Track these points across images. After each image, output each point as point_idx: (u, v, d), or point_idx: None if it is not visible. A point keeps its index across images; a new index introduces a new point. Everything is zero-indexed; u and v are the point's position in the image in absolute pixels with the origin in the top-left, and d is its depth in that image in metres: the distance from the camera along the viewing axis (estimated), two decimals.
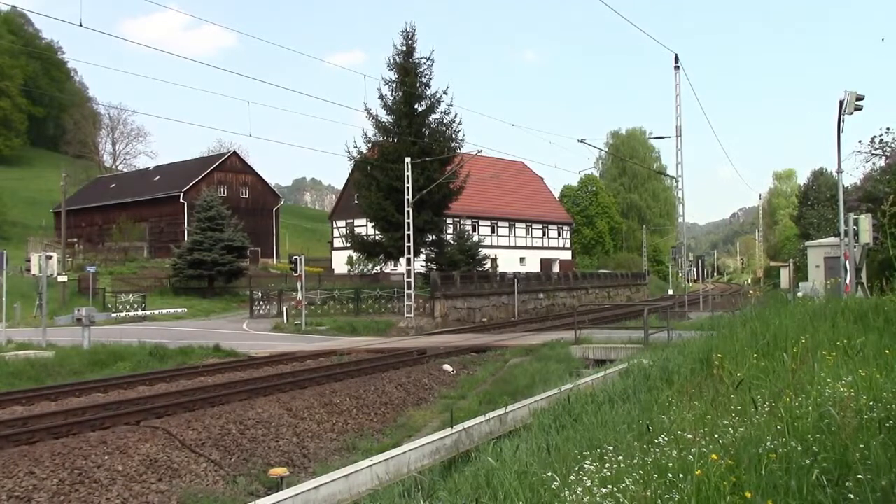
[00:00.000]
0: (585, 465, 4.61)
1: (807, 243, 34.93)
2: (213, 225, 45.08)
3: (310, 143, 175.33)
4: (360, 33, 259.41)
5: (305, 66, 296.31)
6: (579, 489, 4.09)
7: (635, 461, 4.45)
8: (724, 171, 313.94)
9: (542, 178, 72.70)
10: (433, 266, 40.82)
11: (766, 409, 5.18)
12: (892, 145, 29.80)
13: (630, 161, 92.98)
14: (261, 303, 39.36)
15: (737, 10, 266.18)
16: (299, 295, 32.37)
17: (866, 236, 20.91)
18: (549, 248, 67.51)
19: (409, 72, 38.83)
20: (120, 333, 24.87)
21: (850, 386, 5.40)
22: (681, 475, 3.93)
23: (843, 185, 24.13)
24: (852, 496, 3.47)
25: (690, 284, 52.59)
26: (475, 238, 48.96)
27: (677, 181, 36.86)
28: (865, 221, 20.97)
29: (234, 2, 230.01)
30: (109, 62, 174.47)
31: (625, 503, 3.81)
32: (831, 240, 28.31)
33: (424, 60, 39.34)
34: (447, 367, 19.00)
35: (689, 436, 4.69)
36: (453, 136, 39.54)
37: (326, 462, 11.74)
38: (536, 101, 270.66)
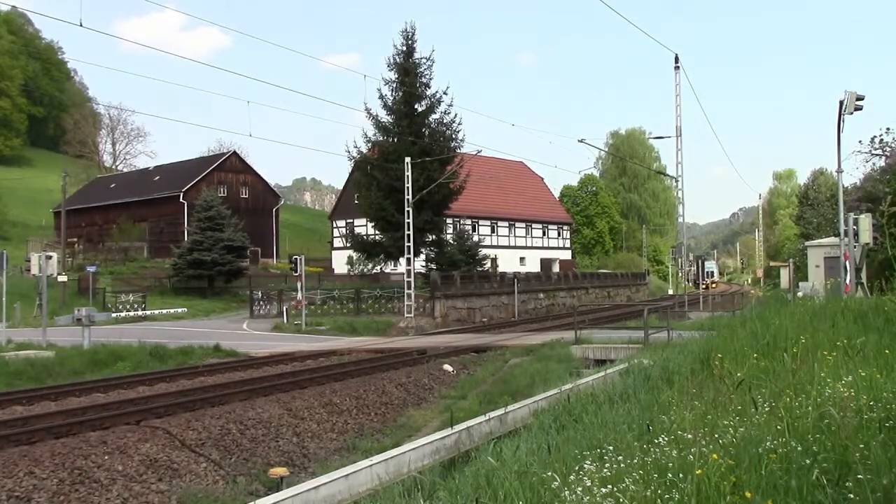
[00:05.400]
0: (585, 465, 4.60)
1: (807, 243, 34.93)
2: (213, 225, 45.08)
3: (310, 143, 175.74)
4: (357, 36, 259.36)
5: (304, 66, 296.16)
6: (579, 489, 4.09)
7: (635, 461, 4.44)
8: (723, 170, 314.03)
9: (542, 178, 72.77)
10: (433, 266, 40.83)
11: (767, 409, 5.18)
12: (892, 145, 29.76)
13: (630, 161, 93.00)
14: (261, 303, 39.35)
15: (737, 10, 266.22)
16: (299, 295, 32.37)
17: (866, 236, 20.89)
18: (549, 248, 67.52)
19: (409, 72, 38.86)
20: (120, 333, 24.87)
21: (850, 386, 5.40)
22: (681, 475, 3.92)
23: (843, 185, 24.13)
24: (852, 496, 3.47)
25: (690, 285, 52.53)
26: (475, 238, 48.99)
27: (677, 181, 36.91)
28: (865, 221, 20.95)
29: (227, 3, 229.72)
30: (109, 62, 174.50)
31: (625, 503, 3.81)
32: (831, 240, 28.30)
33: (424, 60, 39.43)
34: (447, 367, 19.00)
35: (689, 436, 4.69)
36: (453, 136, 39.61)
37: (326, 462, 11.74)
38: (536, 101, 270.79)
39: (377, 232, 41.22)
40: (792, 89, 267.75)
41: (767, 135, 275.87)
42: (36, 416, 12.29)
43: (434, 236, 41.56)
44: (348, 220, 57.21)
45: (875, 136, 30.26)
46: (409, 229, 33.06)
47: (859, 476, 3.57)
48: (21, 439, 10.55)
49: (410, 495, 6.14)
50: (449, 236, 45.50)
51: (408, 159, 33.47)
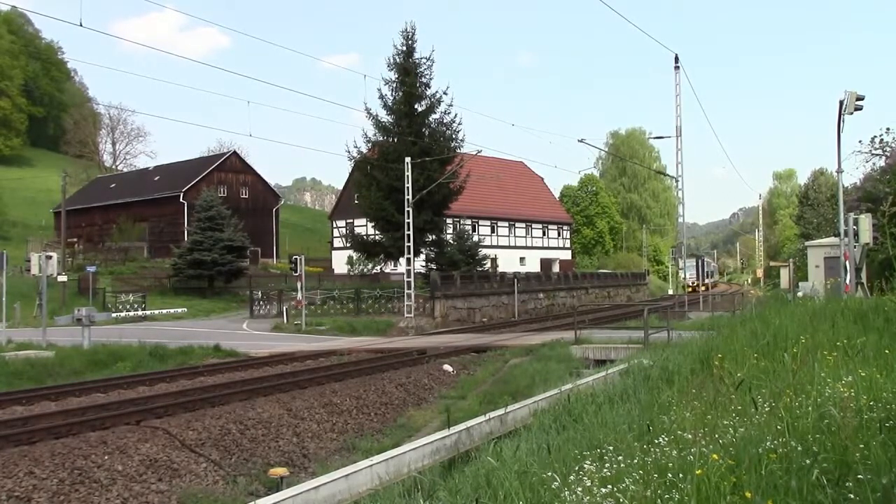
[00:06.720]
0: (585, 465, 4.60)
1: (807, 243, 34.93)
2: (213, 225, 45.09)
3: (310, 143, 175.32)
4: (357, 36, 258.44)
5: (304, 66, 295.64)
6: (579, 489, 4.09)
7: (635, 461, 4.44)
8: (723, 170, 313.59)
9: (542, 178, 72.77)
10: (433, 266, 40.83)
11: (767, 410, 5.18)
12: (892, 145, 29.78)
13: (630, 161, 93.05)
14: (261, 303, 39.36)
15: (737, 10, 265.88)
16: (299, 295, 32.37)
17: (866, 236, 20.90)
18: (548, 248, 67.51)
19: (409, 72, 38.87)
20: (120, 333, 24.86)
21: (850, 386, 5.40)
22: (681, 475, 3.92)
23: (843, 185, 24.14)
24: (852, 496, 3.47)
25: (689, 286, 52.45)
26: (475, 238, 48.98)
27: (677, 181, 36.88)
28: (865, 221, 20.96)
29: (227, 3, 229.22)
30: (109, 62, 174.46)
31: (625, 503, 3.81)
32: (831, 240, 28.30)
33: (424, 60, 39.44)
34: (447, 367, 19.00)
35: (689, 436, 4.69)
36: (453, 136, 39.62)
37: (326, 462, 11.74)
38: (536, 101, 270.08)
39: (377, 232, 41.22)
40: (792, 89, 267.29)
41: (767, 135, 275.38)
42: (36, 416, 12.29)
43: (434, 236, 41.56)
44: (348, 220, 57.23)
45: (875, 136, 30.32)
46: (409, 229, 33.06)
47: (859, 476, 3.57)
48: (21, 439, 10.55)
49: (410, 495, 6.14)
50: (449, 236, 45.51)
51: (408, 159, 33.47)
